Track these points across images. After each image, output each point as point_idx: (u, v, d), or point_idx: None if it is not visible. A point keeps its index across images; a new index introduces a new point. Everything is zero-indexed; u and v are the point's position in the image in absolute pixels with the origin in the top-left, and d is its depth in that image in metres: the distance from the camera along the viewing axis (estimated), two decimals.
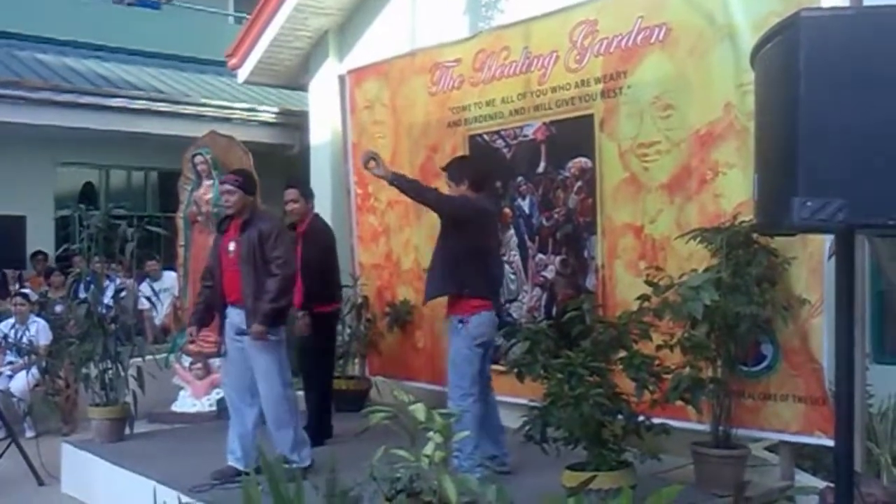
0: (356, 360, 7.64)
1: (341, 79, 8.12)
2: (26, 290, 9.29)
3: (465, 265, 4.99)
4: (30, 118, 10.59)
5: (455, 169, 5.38)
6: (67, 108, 10.80)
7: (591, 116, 5.82)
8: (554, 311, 6.01)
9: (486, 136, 6.58)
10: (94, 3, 14.26)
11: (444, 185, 6.05)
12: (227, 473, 5.14)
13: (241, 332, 5.18)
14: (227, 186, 5.25)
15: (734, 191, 5.01)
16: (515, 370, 4.82)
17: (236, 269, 5.18)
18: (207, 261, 5.67)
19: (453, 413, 3.52)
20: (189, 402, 7.96)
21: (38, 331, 8.13)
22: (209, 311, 5.44)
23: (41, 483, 6.41)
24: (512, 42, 6.37)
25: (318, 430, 6.04)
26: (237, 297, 5.20)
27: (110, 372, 6.53)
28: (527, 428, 4.54)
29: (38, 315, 8.57)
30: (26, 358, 7.90)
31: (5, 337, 7.76)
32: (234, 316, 5.23)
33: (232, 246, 5.23)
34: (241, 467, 5.08)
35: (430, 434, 3.21)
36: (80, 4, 13.92)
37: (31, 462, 6.44)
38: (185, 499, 4.53)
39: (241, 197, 5.23)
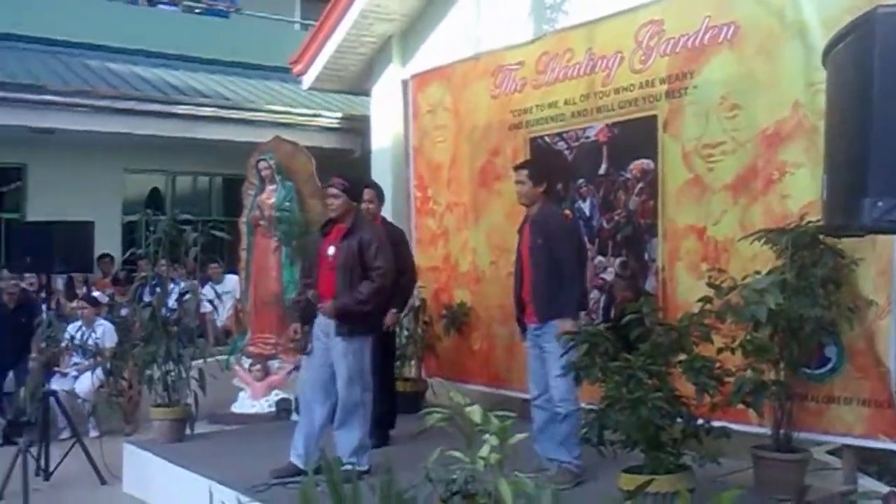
0: (413, 362, 7.62)
1: (404, 83, 8.15)
2: (95, 294, 9.48)
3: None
4: (100, 126, 10.84)
5: (535, 168, 5.39)
6: (136, 115, 11.03)
7: (654, 117, 5.74)
8: (612, 313, 5.93)
9: (547, 139, 6.53)
10: (164, 13, 14.58)
11: (506, 187, 6.02)
12: (288, 471, 5.15)
13: (337, 334, 5.22)
14: (333, 190, 5.30)
15: (801, 191, 4.88)
16: (573, 373, 4.74)
17: (332, 272, 5.24)
18: (310, 259, 5.73)
19: (510, 416, 3.46)
20: (248, 403, 8.03)
21: (104, 333, 8.28)
22: (311, 309, 5.43)
23: (103, 482, 6.49)
24: (575, 44, 6.32)
25: (379, 433, 6.01)
26: (330, 300, 5.24)
27: (173, 373, 6.60)
28: (584, 430, 4.48)
29: (106, 318, 8.74)
30: (92, 359, 8.05)
31: (72, 338, 7.92)
32: (323, 318, 5.28)
33: (331, 250, 5.29)
34: (301, 465, 5.10)
35: (486, 436, 3.16)
36: (150, 14, 14.25)
37: (94, 461, 6.53)
38: (243, 498, 4.54)
39: (345, 202, 5.28)
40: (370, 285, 5.18)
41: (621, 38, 5.97)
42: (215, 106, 11.65)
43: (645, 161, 5.82)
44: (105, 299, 9.34)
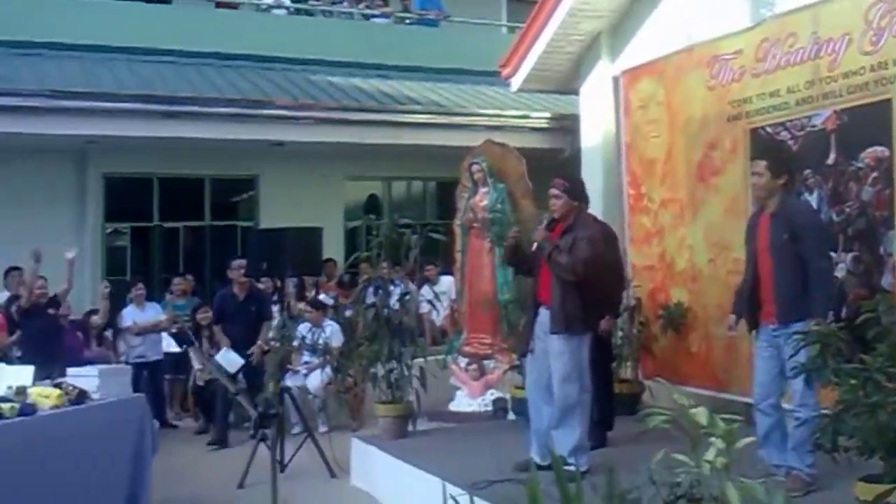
0: (629, 363, 7.50)
1: (615, 80, 8.06)
2: (321, 297, 10.00)
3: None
4: (323, 136, 11.45)
5: (775, 160, 5.12)
6: (355, 125, 11.56)
7: (888, 101, 5.36)
8: (844, 311, 5.54)
9: (769, 129, 6.26)
10: (379, 26, 15.16)
11: (724, 181, 5.81)
12: (528, 465, 5.22)
13: (553, 332, 5.27)
14: (554, 191, 5.40)
15: None
16: (804, 375, 4.49)
17: (548, 270, 5.30)
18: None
19: (736, 419, 3.34)
20: (465, 401, 8.21)
21: (332, 333, 8.74)
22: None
23: (333, 475, 6.86)
24: (799, 28, 6.03)
25: (597, 434, 5.97)
26: (547, 298, 5.31)
27: (395, 371, 6.85)
28: (817, 436, 4.24)
29: (332, 318, 9.22)
30: (321, 358, 8.51)
31: (303, 338, 8.40)
32: (544, 315, 5.35)
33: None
34: (539, 461, 5.17)
35: (712, 439, 3.07)
36: (366, 28, 14.86)
37: (325, 455, 6.91)
38: (465, 495, 4.64)
39: (566, 202, 5.35)
40: (566, 257, 5.16)
41: (849, 19, 5.64)
42: (428, 112, 12.00)
43: (879, 149, 5.45)
44: (330, 301, 9.84)
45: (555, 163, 11.57)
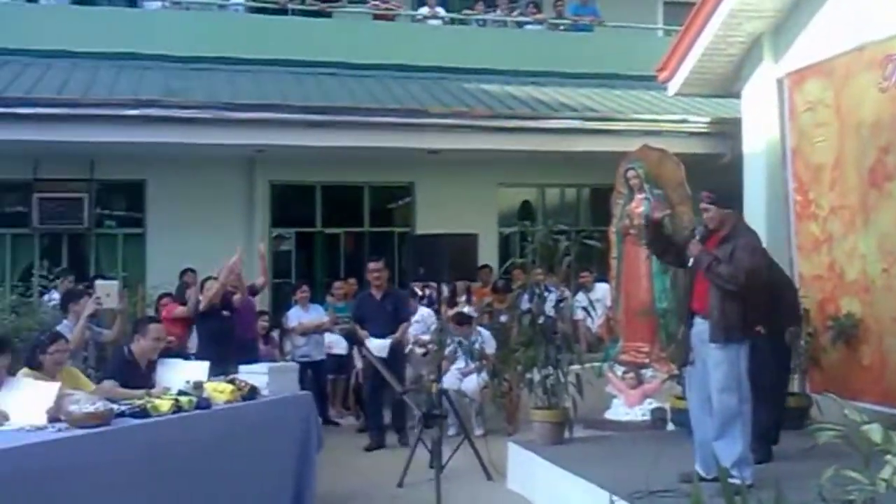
0: (795, 376, 7.22)
1: (779, 82, 7.82)
2: (466, 309, 9.98)
3: None
4: (477, 144, 11.59)
5: None
6: (508, 132, 11.65)
7: None
8: None
9: None
10: (532, 33, 15.21)
11: None
12: (691, 477, 5.16)
13: (711, 341, 5.20)
14: (703, 205, 5.39)
15: None
16: None
17: (707, 281, 5.24)
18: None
19: None
20: (622, 410, 8.13)
21: (485, 340, 8.83)
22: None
23: (489, 478, 6.95)
24: None
25: (764, 448, 5.80)
26: (703, 307, 5.25)
27: (551, 378, 6.87)
28: None
29: (483, 326, 9.31)
30: (476, 363, 8.61)
31: (459, 342, 8.52)
32: (700, 325, 5.30)
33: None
34: (704, 474, 5.10)
35: (888, 457, 2.95)
36: (520, 35, 14.94)
37: (481, 458, 7.00)
38: (622, 502, 4.62)
39: (716, 212, 5.31)
40: (726, 267, 5.08)
41: None
42: (582, 118, 11.93)
43: None
44: (474, 315, 9.83)
45: (715, 168, 11.34)
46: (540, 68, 13.90)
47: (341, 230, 12.85)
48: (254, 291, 9.20)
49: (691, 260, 5.35)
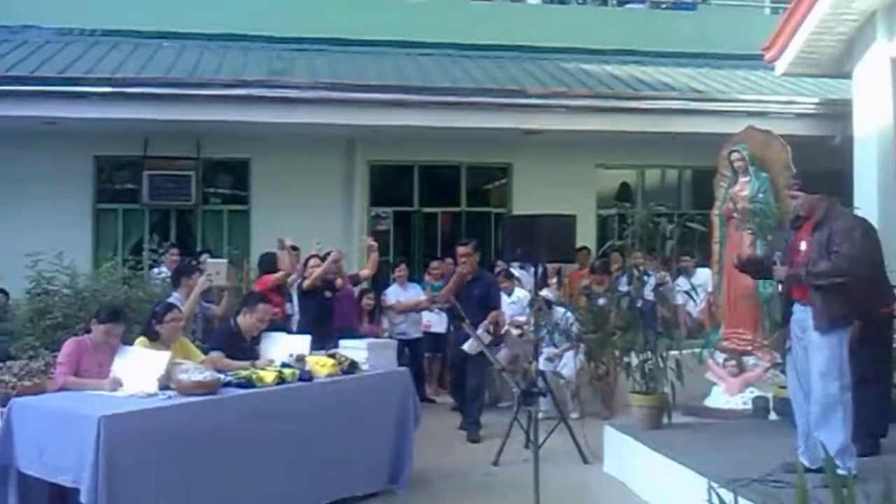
0: None
1: (893, 62, 7.49)
2: (544, 292, 9.82)
3: None
4: (576, 125, 11.48)
5: None
6: (608, 113, 11.50)
7: None
8: None
9: None
10: (633, 12, 14.99)
11: None
12: (794, 467, 5.06)
13: (815, 328, 5.08)
14: (791, 192, 5.28)
15: None
16: None
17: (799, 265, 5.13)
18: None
19: None
20: (722, 398, 7.97)
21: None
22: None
23: (585, 461, 6.93)
24: None
25: (869, 440, 5.61)
26: (803, 294, 5.13)
27: (650, 362, 6.78)
28: None
29: (561, 305, 9.22)
30: (566, 344, 8.54)
31: (556, 324, 8.49)
32: (800, 313, 5.18)
33: (803, 245, 5.20)
34: (807, 463, 4.99)
35: None
36: (620, 14, 14.76)
37: (577, 441, 6.98)
38: (722, 490, 4.54)
39: (805, 198, 5.18)
40: (826, 263, 4.97)
41: None
42: (685, 99, 11.71)
43: None
44: (551, 298, 9.72)
45: (823, 150, 10.98)
46: (641, 47, 13.71)
47: (439, 210, 12.92)
48: (356, 281, 9.26)
49: (803, 245, 5.18)
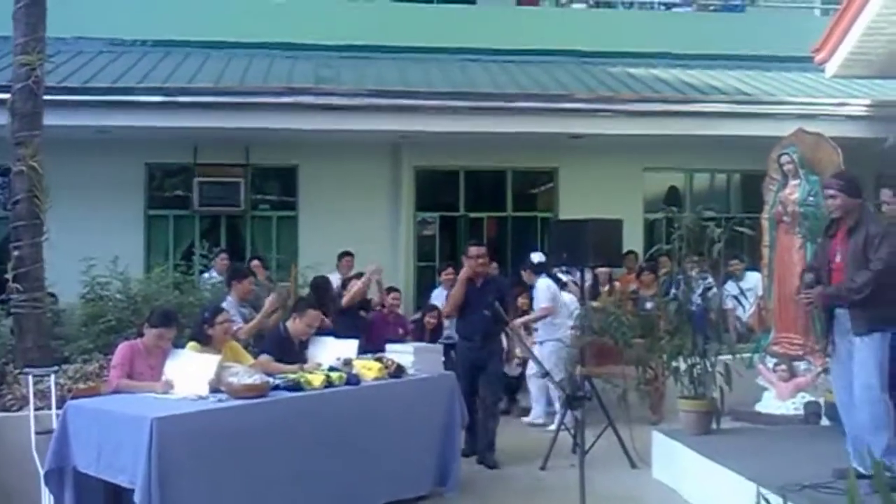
0: None
1: None
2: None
3: None
4: (622, 129, 11.42)
5: None
6: (655, 116, 11.42)
7: None
8: None
9: None
10: (679, 15, 14.86)
11: None
12: (846, 473, 4.99)
13: (854, 332, 5.08)
14: (829, 191, 5.25)
15: None
16: None
17: (839, 273, 5.13)
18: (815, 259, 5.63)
19: None
20: (773, 403, 7.88)
21: None
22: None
23: (633, 466, 6.89)
24: None
25: None
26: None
27: (698, 367, 6.72)
28: None
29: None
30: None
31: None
32: (841, 316, 5.17)
33: (838, 257, 5.19)
34: (861, 469, 4.92)
35: None
36: (666, 17, 14.63)
37: (625, 446, 6.93)
38: (772, 496, 4.49)
39: (843, 200, 5.16)
40: (865, 274, 4.94)
41: None
42: (733, 102, 11.60)
43: None
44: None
45: (874, 153, 10.80)
46: (688, 51, 13.59)
47: (484, 215, 12.92)
48: (367, 306, 9.02)
49: (838, 250, 5.14)
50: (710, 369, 6.69)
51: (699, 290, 7.13)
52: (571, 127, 11.43)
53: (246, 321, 6.98)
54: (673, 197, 13.22)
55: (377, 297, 9.32)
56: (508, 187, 12.97)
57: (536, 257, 9.44)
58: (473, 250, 7.48)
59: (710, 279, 7.21)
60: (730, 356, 7.02)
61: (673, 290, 7.23)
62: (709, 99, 11.68)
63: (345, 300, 8.32)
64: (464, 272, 7.43)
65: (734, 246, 8.99)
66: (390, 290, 9.51)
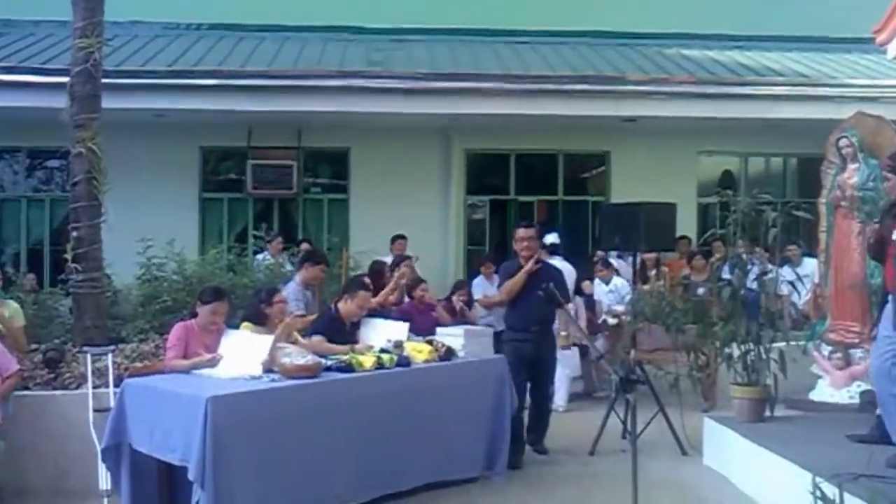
0: None
1: None
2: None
3: None
4: (676, 111, 11.29)
5: None
6: (710, 99, 11.25)
7: None
8: None
9: None
10: None
11: None
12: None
13: None
14: (885, 173, 5.16)
15: None
16: None
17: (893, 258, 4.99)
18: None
19: None
20: (827, 391, 7.75)
21: None
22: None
23: (684, 453, 6.82)
24: None
25: None
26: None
27: (752, 353, 6.62)
28: None
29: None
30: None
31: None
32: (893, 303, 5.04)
33: (895, 235, 5.03)
34: None
35: None
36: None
37: (676, 433, 6.87)
38: (826, 485, 4.42)
39: None
40: None
41: None
42: (791, 84, 11.39)
43: None
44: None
45: None
46: (745, 32, 13.35)
47: (535, 198, 12.86)
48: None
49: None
50: (764, 356, 6.58)
51: (754, 275, 7.02)
52: (624, 109, 11.34)
53: (307, 305, 6.97)
54: (727, 181, 13.00)
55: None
56: (560, 171, 12.90)
57: (551, 238, 9.28)
58: (521, 232, 6.94)
59: (767, 264, 7.09)
60: (784, 343, 6.90)
61: (727, 275, 7.12)
62: (766, 81, 11.49)
63: (377, 299, 8.13)
64: (527, 266, 6.80)
65: (790, 231, 8.85)
66: (419, 281, 9.42)
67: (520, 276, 6.78)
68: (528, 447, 6.75)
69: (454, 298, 9.17)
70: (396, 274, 8.31)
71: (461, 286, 9.50)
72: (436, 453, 5.79)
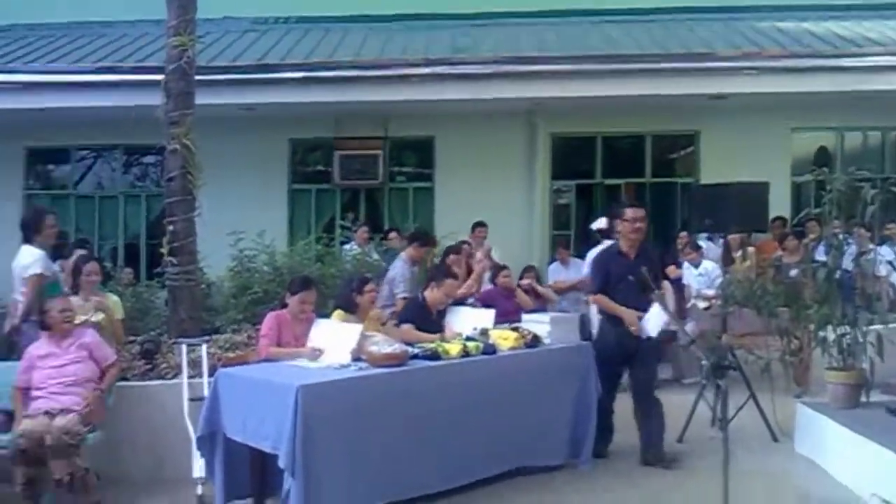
0: None
1: None
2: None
3: None
4: (768, 87, 10.94)
5: None
6: (804, 72, 10.87)
7: None
8: None
9: None
10: None
11: None
12: None
13: None
14: None
15: None
16: None
17: None
18: None
19: None
20: None
21: None
22: None
23: (775, 439, 6.68)
24: None
25: None
26: None
27: (848, 337, 6.42)
28: None
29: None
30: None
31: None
32: None
33: None
34: None
35: None
36: None
37: (767, 418, 6.72)
38: None
39: None
40: None
41: None
42: (891, 54, 10.89)
43: None
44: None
45: None
46: (842, 1, 12.83)
47: (622, 181, 12.65)
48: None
49: None
50: (860, 339, 6.37)
51: (850, 256, 6.79)
52: (714, 87, 11.04)
53: (412, 280, 7.40)
54: (823, 158, 12.53)
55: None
56: (647, 152, 12.66)
57: (598, 224, 9.11)
58: (631, 213, 6.29)
59: (867, 243, 6.83)
60: (882, 326, 6.66)
61: (821, 256, 6.90)
62: (864, 52, 11.02)
63: (462, 291, 8.11)
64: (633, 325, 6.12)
65: (889, 209, 8.50)
66: (501, 268, 9.38)
67: (623, 313, 6.16)
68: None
69: (523, 282, 9.20)
70: (477, 266, 8.36)
71: (530, 269, 9.67)
72: (521, 440, 5.82)
